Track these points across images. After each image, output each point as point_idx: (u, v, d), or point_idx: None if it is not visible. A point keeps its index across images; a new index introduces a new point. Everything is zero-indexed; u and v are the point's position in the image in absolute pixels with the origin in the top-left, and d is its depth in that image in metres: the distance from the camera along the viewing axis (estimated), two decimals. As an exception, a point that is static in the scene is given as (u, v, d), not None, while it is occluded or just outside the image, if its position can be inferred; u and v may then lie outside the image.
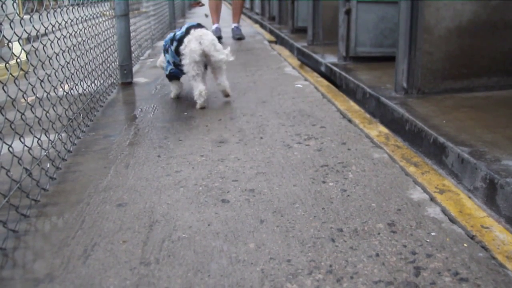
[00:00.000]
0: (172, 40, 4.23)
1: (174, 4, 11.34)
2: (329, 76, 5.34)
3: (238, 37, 8.76)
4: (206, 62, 4.09)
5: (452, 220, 2.13)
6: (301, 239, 2.00)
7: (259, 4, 13.99)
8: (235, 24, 8.98)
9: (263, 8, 13.30)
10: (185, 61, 4.01)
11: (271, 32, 10.22)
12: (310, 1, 7.23)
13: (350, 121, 3.52)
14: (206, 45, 3.96)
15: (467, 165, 2.54)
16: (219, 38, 8.43)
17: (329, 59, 5.76)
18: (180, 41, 4.06)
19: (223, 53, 4.06)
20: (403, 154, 2.90)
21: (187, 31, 4.06)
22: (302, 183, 2.53)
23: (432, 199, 2.33)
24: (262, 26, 11.76)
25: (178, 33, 4.16)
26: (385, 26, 5.25)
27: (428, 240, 1.97)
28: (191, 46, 3.96)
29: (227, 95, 4.30)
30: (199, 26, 4.13)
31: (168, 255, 1.92)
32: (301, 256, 1.88)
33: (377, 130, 3.29)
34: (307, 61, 6.16)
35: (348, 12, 5.32)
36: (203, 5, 20.09)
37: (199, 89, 4.02)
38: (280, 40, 8.78)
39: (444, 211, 2.21)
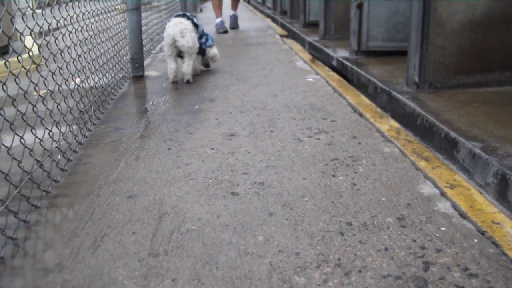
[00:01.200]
0: None
1: (186, -2, 11.33)
2: (341, 70, 5.33)
3: (232, 26, 9.44)
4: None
5: (463, 215, 2.12)
6: (310, 232, 2.00)
7: (272, -2, 13.98)
8: (233, 12, 9.63)
9: (274, 3, 13.29)
10: (163, 43, 4.88)
11: (282, 26, 10.21)
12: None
13: (361, 115, 3.51)
14: (175, 31, 4.64)
15: (479, 160, 2.53)
16: (225, 32, 8.93)
17: (340, 53, 5.75)
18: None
19: (185, 40, 4.64)
20: (414, 148, 2.89)
21: (172, 19, 4.78)
22: (312, 176, 2.53)
23: (443, 194, 2.32)
24: (273, 20, 11.75)
25: None
26: (397, 20, 5.23)
27: (437, 235, 1.97)
28: (167, 31, 4.69)
29: (187, 81, 4.83)
30: (183, 16, 4.84)
31: (176, 247, 1.93)
32: (310, 249, 1.88)
33: (388, 125, 3.28)
34: (318, 55, 6.15)
35: (360, 6, 5.30)
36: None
37: (170, 67, 4.79)
38: (291, 34, 8.77)
39: (454, 206, 2.20)
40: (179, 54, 4.80)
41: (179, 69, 4.87)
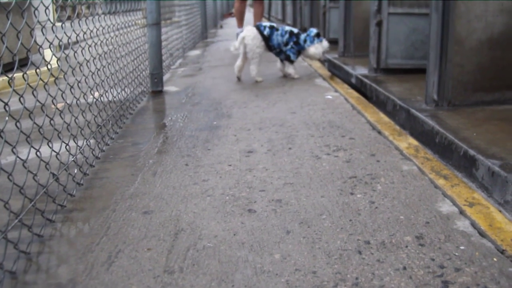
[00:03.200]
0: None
1: (207, 14, 11.39)
2: (360, 87, 5.31)
3: None
4: None
5: (482, 234, 2.09)
6: (328, 250, 1.98)
7: (291, 15, 14.00)
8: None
9: (294, 20, 13.30)
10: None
11: (302, 43, 10.20)
12: (341, 12, 7.21)
13: (379, 132, 3.49)
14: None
15: (498, 178, 2.50)
16: None
17: (359, 70, 5.73)
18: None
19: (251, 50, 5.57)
20: (432, 166, 2.86)
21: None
22: (330, 194, 2.51)
23: (462, 212, 2.29)
24: (293, 37, 11.74)
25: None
26: (416, 38, 5.21)
27: (456, 253, 1.94)
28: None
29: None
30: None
31: (192, 264, 1.91)
32: (327, 268, 1.86)
33: (407, 142, 3.26)
34: (337, 73, 6.14)
35: (379, 24, 5.29)
36: (234, 15, 20.14)
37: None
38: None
39: (473, 224, 2.17)
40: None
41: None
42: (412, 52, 5.25)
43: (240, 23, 9.48)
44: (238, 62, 5.68)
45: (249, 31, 5.57)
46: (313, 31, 5.87)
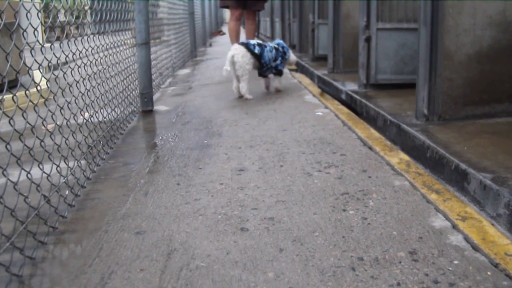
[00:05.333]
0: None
1: (195, 33, 11.42)
2: (350, 103, 5.33)
3: None
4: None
5: (475, 248, 2.09)
6: (321, 268, 1.97)
7: (280, 32, 14.06)
8: None
9: (283, 37, 13.35)
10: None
11: (291, 60, 10.24)
12: (330, 29, 7.24)
13: (370, 148, 3.49)
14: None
15: (490, 192, 2.51)
16: None
17: (349, 86, 5.75)
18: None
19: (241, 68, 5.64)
20: (424, 181, 2.86)
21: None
22: (322, 211, 2.50)
23: (454, 226, 2.29)
24: (282, 54, 11.79)
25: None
26: (405, 53, 5.24)
27: (450, 268, 1.94)
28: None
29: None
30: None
31: (185, 284, 1.90)
32: (321, 286, 1.85)
33: (398, 158, 3.26)
34: (327, 89, 6.15)
35: (368, 40, 5.32)
36: (224, 33, 20.20)
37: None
38: (300, 68, 8.79)
39: (466, 238, 2.17)
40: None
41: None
42: (401, 67, 5.28)
43: (236, 42, 9.47)
44: (235, 84, 5.70)
45: (238, 49, 5.57)
46: (281, 41, 6.26)
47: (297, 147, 3.58)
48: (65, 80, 3.00)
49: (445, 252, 2.06)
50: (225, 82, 6.79)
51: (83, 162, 3.10)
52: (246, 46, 5.65)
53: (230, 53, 5.57)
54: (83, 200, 2.79)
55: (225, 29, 20.00)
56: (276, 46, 5.99)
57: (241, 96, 5.70)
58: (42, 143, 2.47)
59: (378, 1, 5.24)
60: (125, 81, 4.64)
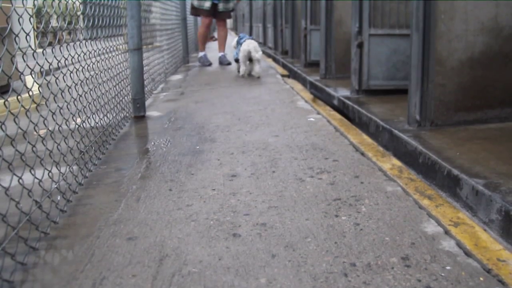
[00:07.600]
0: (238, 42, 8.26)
1: (188, 39, 11.42)
2: (342, 109, 5.33)
3: (227, 63, 10.30)
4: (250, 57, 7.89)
5: (468, 254, 2.09)
6: (313, 274, 1.97)
7: (272, 38, 14.07)
8: (222, 53, 10.57)
9: (276, 43, 13.37)
10: (240, 54, 7.93)
11: (284, 66, 10.27)
12: (322, 35, 7.25)
13: (363, 154, 3.49)
14: (250, 47, 7.70)
15: (482, 197, 2.51)
16: (209, 64, 10.20)
17: (341, 92, 5.76)
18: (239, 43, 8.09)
19: (259, 54, 7.79)
20: (416, 187, 2.87)
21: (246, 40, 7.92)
22: (314, 217, 2.50)
23: (447, 232, 2.29)
24: (275, 60, 11.83)
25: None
26: (397, 59, 5.25)
27: (443, 274, 1.94)
28: (244, 47, 7.73)
29: (258, 77, 7.91)
30: (252, 38, 8.09)
31: (177, 290, 1.89)
32: (313, 291, 1.85)
33: (390, 163, 3.27)
34: (320, 95, 6.16)
35: (360, 46, 5.33)
36: (216, 39, 20.18)
37: (242, 68, 8.05)
38: (293, 74, 8.80)
39: (459, 244, 2.17)
40: (250, 60, 7.92)
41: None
42: (393, 73, 5.29)
43: (203, 47, 10.53)
44: (242, 67, 8.03)
45: (253, 42, 7.78)
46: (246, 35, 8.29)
47: (290, 153, 3.58)
48: (57, 85, 3.00)
49: (438, 257, 2.06)
50: (217, 88, 6.79)
51: (75, 167, 3.09)
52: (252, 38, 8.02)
53: (245, 48, 7.69)
54: (75, 205, 2.78)
55: (217, 35, 19.99)
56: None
57: (249, 74, 8.06)
58: (34, 149, 2.46)
59: (370, 7, 5.25)
60: (117, 87, 4.63)
